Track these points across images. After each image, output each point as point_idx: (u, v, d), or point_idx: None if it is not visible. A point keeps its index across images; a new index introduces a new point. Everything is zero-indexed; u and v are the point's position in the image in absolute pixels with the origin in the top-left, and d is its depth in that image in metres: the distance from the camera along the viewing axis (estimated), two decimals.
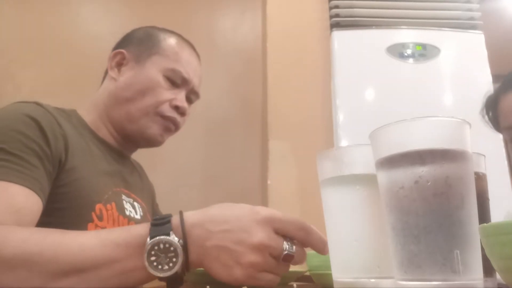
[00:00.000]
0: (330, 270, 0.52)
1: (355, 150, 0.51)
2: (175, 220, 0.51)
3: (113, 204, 0.81)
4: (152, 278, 0.50)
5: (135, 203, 0.90)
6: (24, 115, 0.70)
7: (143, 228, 0.51)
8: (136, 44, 0.93)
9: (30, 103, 0.75)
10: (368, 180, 0.48)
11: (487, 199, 0.54)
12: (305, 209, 1.60)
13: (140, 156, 1.04)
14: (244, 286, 0.50)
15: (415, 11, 1.84)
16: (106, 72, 0.96)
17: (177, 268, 0.49)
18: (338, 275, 0.50)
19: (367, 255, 0.48)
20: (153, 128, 0.89)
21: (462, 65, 1.77)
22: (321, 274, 0.70)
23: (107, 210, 0.79)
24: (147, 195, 1.02)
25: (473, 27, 1.85)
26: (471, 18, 1.86)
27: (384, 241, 0.43)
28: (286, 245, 0.52)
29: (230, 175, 1.85)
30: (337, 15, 1.83)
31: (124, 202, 0.86)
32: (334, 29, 1.81)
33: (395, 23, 1.82)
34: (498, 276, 0.41)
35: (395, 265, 0.40)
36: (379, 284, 0.46)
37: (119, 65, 0.92)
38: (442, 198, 0.38)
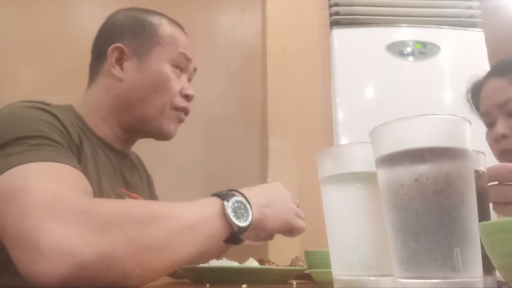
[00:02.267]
0: (330, 268, 0.52)
1: (355, 148, 0.51)
2: (230, 193, 0.65)
3: None
4: (223, 237, 0.62)
5: None
6: (44, 110, 0.69)
7: (211, 198, 0.64)
8: (131, 36, 0.88)
9: (38, 102, 0.72)
10: (368, 178, 0.48)
11: (487, 197, 0.54)
12: (305, 207, 1.60)
13: (138, 154, 1.04)
14: (290, 227, 0.75)
15: (415, 9, 1.84)
16: (93, 66, 0.91)
17: (250, 219, 0.63)
18: (337, 272, 0.50)
19: (367, 252, 0.48)
20: (170, 125, 0.89)
21: (462, 63, 1.77)
22: (321, 272, 0.70)
23: None
24: (146, 190, 1.02)
25: (473, 25, 1.85)
26: (471, 16, 1.86)
27: (384, 239, 0.43)
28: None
29: (229, 173, 1.85)
30: (337, 13, 1.82)
31: None
32: (334, 27, 1.80)
33: (395, 21, 1.82)
34: (498, 274, 0.41)
35: (394, 262, 0.41)
36: (378, 281, 0.46)
37: (119, 60, 0.87)
38: (442, 196, 0.38)
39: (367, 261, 0.48)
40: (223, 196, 0.63)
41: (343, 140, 1.65)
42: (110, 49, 0.86)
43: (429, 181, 0.38)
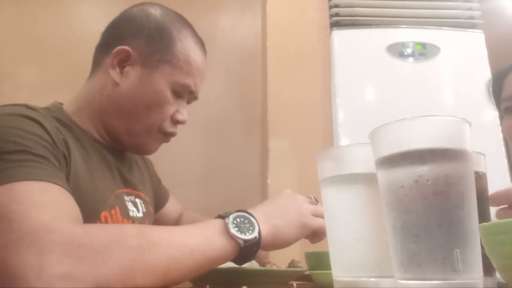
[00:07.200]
0: (330, 269, 0.52)
1: (355, 149, 0.51)
2: (233, 211, 0.62)
3: (117, 208, 0.78)
4: (231, 256, 0.60)
5: (137, 200, 0.87)
6: (27, 118, 0.64)
7: (214, 219, 0.62)
8: (146, 42, 0.82)
9: (21, 106, 0.68)
10: (368, 179, 0.48)
11: (487, 198, 0.54)
12: None
13: None
14: (310, 229, 0.68)
15: (415, 10, 1.84)
16: (98, 52, 0.87)
17: (257, 231, 0.60)
18: (338, 274, 0.50)
19: (367, 254, 0.48)
20: (152, 146, 0.87)
21: (462, 64, 1.77)
22: (321, 274, 0.70)
23: (111, 216, 0.76)
24: (148, 183, 0.99)
25: (473, 26, 1.85)
26: (471, 17, 1.86)
27: (384, 240, 0.43)
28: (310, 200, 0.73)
29: (229, 174, 1.85)
30: (337, 14, 1.82)
31: (126, 203, 0.83)
32: (334, 28, 1.81)
33: (395, 22, 1.82)
34: (498, 275, 0.41)
35: (395, 264, 0.40)
36: (379, 283, 0.46)
37: (122, 62, 0.82)
38: (442, 197, 0.38)
39: (367, 262, 0.48)
40: (224, 215, 0.61)
41: (343, 141, 1.65)
42: (115, 50, 0.81)
43: (429, 182, 0.38)
